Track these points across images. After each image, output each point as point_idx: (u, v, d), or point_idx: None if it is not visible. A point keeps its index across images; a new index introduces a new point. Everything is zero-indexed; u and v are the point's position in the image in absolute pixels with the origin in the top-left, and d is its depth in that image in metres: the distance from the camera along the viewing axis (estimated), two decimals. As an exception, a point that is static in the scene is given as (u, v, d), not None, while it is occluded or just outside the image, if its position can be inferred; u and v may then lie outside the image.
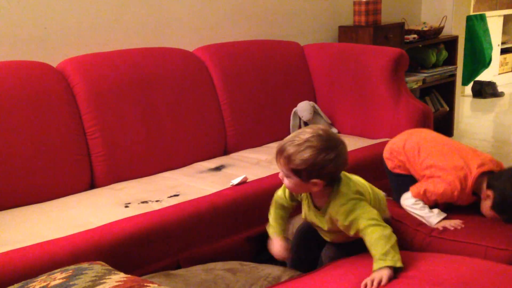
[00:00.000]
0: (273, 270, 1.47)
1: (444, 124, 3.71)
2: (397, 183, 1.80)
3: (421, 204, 1.66)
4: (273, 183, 1.92)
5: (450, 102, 3.65)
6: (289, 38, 2.96)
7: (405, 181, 1.74)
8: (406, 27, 3.35)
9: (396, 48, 2.52)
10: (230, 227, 1.81)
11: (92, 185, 2.05)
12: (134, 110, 2.13)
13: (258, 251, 1.94)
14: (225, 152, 2.41)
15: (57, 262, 1.39)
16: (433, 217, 1.64)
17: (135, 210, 1.71)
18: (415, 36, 3.32)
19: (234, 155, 2.34)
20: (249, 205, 1.84)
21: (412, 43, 3.29)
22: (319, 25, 3.16)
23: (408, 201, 1.70)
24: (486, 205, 1.60)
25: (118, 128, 2.08)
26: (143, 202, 1.80)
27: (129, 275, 1.07)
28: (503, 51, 5.67)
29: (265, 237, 1.93)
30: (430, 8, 3.75)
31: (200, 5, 2.64)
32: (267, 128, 2.50)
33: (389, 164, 1.81)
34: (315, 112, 2.61)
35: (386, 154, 1.85)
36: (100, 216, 1.67)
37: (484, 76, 5.15)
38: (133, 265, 1.57)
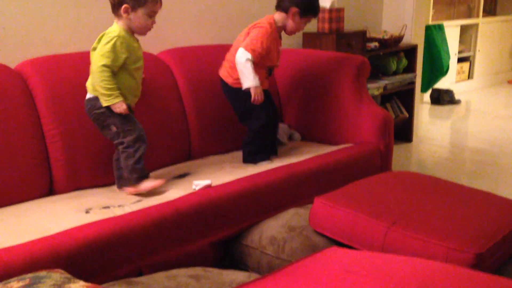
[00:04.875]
0: (238, 276, 1.47)
1: (403, 130, 3.82)
2: (239, 97, 2.21)
3: (251, 66, 2.09)
4: (237, 188, 1.92)
5: (410, 108, 3.77)
6: (254, 44, 2.96)
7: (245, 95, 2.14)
8: (367, 35, 3.43)
9: (359, 56, 2.58)
10: (194, 233, 1.80)
11: (51, 191, 1.99)
12: (95, 113, 2.08)
13: (222, 256, 1.94)
14: (189, 157, 2.39)
15: (13, 271, 1.34)
16: (251, 81, 2.09)
17: (97, 215, 1.67)
18: (376, 44, 3.40)
19: (198, 161, 2.33)
20: (213, 210, 1.84)
21: (373, 51, 3.37)
22: (283, 31, 3.19)
23: (242, 57, 2.10)
24: (295, 22, 2.20)
25: (79, 132, 2.03)
26: (105, 208, 1.76)
27: (89, 283, 1.05)
28: (460, 60, 5.88)
29: (229, 242, 1.93)
30: (390, 17, 3.85)
31: (165, 8, 2.61)
32: (232, 134, 2.50)
33: (229, 81, 2.23)
34: (279, 118, 2.63)
35: (223, 73, 2.26)
36: (59, 222, 1.63)
37: (442, 84, 5.33)
38: (94, 272, 1.54)
